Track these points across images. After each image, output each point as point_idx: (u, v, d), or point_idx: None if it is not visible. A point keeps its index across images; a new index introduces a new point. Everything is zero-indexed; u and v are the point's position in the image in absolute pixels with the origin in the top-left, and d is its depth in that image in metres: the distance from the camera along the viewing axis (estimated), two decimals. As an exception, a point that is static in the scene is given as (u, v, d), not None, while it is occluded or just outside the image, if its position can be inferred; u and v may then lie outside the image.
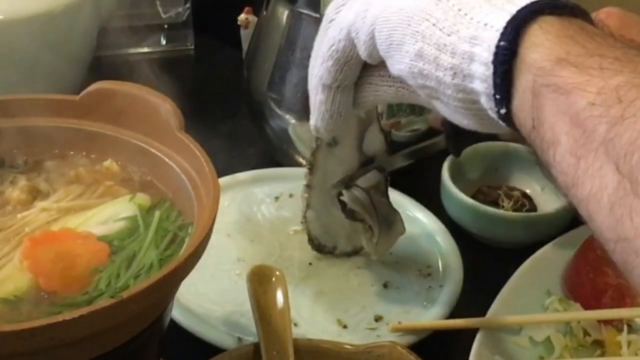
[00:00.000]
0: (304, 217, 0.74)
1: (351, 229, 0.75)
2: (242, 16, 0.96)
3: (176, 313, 0.67)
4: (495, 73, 0.45)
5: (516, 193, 0.83)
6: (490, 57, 0.45)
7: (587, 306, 0.70)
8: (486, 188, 0.83)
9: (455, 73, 0.47)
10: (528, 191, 0.84)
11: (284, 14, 0.83)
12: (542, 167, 0.47)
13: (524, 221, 0.79)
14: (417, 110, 0.82)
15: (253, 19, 0.95)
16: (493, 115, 0.47)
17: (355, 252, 0.76)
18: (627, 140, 0.39)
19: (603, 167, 0.41)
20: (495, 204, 0.81)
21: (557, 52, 0.43)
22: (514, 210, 0.81)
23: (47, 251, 0.53)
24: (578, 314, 0.69)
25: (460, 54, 0.46)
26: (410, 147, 0.73)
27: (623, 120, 0.40)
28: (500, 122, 0.47)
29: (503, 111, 0.46)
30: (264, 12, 0.86)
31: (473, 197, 0.80)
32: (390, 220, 0.72)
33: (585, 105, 0.41)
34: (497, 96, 0.46)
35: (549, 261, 0.74)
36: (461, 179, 0.81)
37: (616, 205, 0.40)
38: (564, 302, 0.71)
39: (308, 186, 0.73)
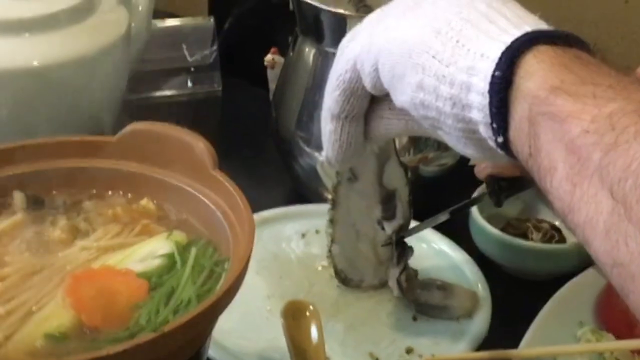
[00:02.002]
0: (329, 251, 0.75)
1: (377, 262, 0.75)
2: (269, 57, 0.98)
3: (211, 350, 0.68)
4: (491, 102, 0.46)
5: (545, 225, 0.83)
6: (486, 87, 0.46)
7: (619, 336, 0.70)
8: (515, 221, 0.84)
9: (454, 103, 0.48)
10: (557, 223, 0.84)
11: (310, 53, 0.85)
12: (540, 193, 0.48)
13: (553, 253, 0.79)
14: (444, 144, 0.83)
15: (279, 59, 0.97)
16: (492, 144, 0.48)
17: (382, 285, 0.77)
18: (621, 167, 0.40)
19: (598, 193, 0.41)
20: (525, 236, 0.82)
21: (551, 81, 0.44)
22: (543, 243, 0.81)
23: (88, 288, 0.54)
24: (611, 344, 0.69)
25: (458, 84, 0.47)
26: (452, 207, 0.76)
27: (616, 147, 0.40)
28: (499, 150, 0.48)
29: (500, 140, 0.47)
30: (291, 52, 0.88)
31: (502, 230, 0.81)
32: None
33: (580, 132, 0.42)
34: (494, 125, 0.46)
35: (580, 292, 0.74)
36: (489, 212, 0.82)
37: (611, 230, 0.40)
38: (597, 332, 0.71)
39: (332, 221, 0.74)
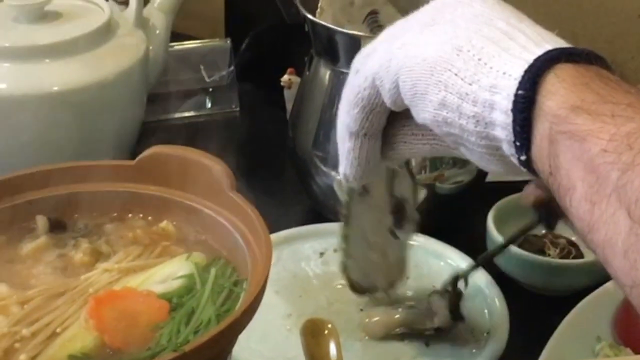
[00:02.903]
0: (344, 265, 0.76)
1: (387, 267, 0.76)
2: (285, 77, 0.99)
3: (232, 369, 0.69)
4: (514, 121, 0.46)
5: (562, 241, 0.83)
6: (510, 106, 0.46)
7: (638, 351, 0.70)
8: (531, 237, 0.84)
9: (477, 121, 0.48)
10: (573, 238, 0.85)
11: (326, 74, 0.86)
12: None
13: (570, 268, 0.80)
14: (460, 162, 0.84)
15: (296, 79, 0.98)
16: (515, 161, 0.48)
17: (391, 285, 0.78)
18: (638, 186, 0.40)
19: (616, 213, 0.41)
20: (542, 252, 0.82)
21: (572, 100, 0.44)
22: (560, 258, 0.81)
23: (111, 310, 0.55)
24: (629, 358, 0.69)
25: (481, 102, 0.48)
26: (514, 237, 0.77)
27: (634, 166, 0.41)
28: (522, 168, 0.48)
29: (523, 158, 0.47)
30: (307, 73, 0.89)
31: (519, 246, 0.81)
32: None
33: (599, 151, 0.42)
34: (517, 143, 0.47)
35: (598, 307, 0.74)
36: (506, 228, 0.83)
37: (629, 250, 0.41)
38: (615, 347, 0.71)
39: (345, 237, 0.75)
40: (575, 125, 0.44)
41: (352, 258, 0.76)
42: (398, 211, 0.75)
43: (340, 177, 0.63)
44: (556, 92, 0.45)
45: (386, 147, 0.59)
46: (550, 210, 0.68)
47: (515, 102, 0.46)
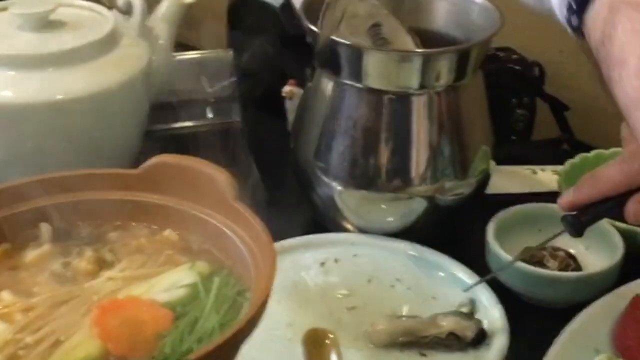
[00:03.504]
0: None
1: None
2: (287, 88, 0.99)
3: (232, 378, 0.69)
4: None
5: (561, 253, 0.84)
6: None
7: (636, 363, 0.70)
8: (531, 249, 0.84)
9: None
10: (572, 251, 0.85)
11: (328, 85, 0.86)
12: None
13: (569, 281, 0.80)
14: (460, 174, 0.85)
15: (297, 90, 0.98)
16: (564, 22, 0.46)
17: None
18: None
19: None
20: (541, 264, 0.83)
21: None
22: (559, 271, 0.82)
23: (115, 318, 0.55)
24: (627, 371, 0.70)
25: None
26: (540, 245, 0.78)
27: None
28: (571, 32, 0.46)
29: (575, 22, 0.45)
30: (309, 84, 0.90)
31: (518, 258, 0.82)
32: None
33: None
34: (574, 5, 0.45)
35: (597, 319, 0.75)
36: (505, 240, 0.83)
37: None
38: (614, 359, 0.71)
39: None
40: None
41: None
42: None
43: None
44: None
45: None
46: (577, 221, 0.70)
47: None
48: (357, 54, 0.82)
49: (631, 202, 0.66)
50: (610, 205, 0.69)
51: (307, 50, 0.88)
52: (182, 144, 1.09)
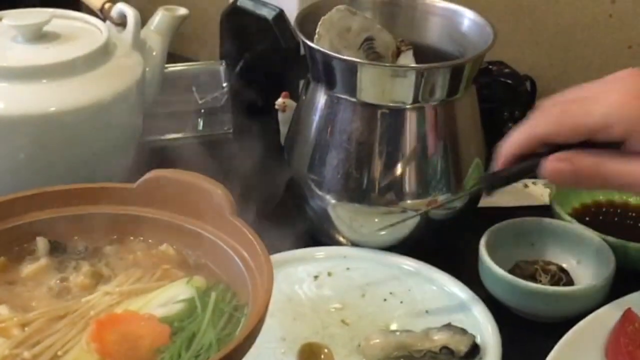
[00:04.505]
0: None
1: None
2: (280, 100, 1.00)
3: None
4: None
5: (553, 267, 0.84)
6: None
7: (628, 378, 0.71)
8: (523, 263, 0.85)
9: None
10: (564, 265, 0.86)
11: (322, 99, 0.86)
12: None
13: (561, 295, 0.81)
14: (453, 188, 0.85)
15: (290, 102, 0.99)
16: None
17: None
18: None
19: None
20: (533, 278, 0.83)
21: None
22: (551, 285, 0.82)
23: (112, 333, 0.55)
24: (620, 385, 0.70)
25: None
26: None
27: None
28: None
29: None
30: (303, 97, 0.90)
31: (510, 272, 0.82)
32: None
33: None
34: None
35: (589, 333, 0.75)
36: (498, 254, 0.84)
37: None
38: (605, 374, 0.72)
39: None
40: None
41: None
42: None
43: None
44: None
45: None
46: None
47: None
48: (350, 68, 0.82)
49: (550, 159, 0.67)
50: (526, 165, 0.69)
51: (299, 63, 0.88)
52: (174, 155, 1.08)
